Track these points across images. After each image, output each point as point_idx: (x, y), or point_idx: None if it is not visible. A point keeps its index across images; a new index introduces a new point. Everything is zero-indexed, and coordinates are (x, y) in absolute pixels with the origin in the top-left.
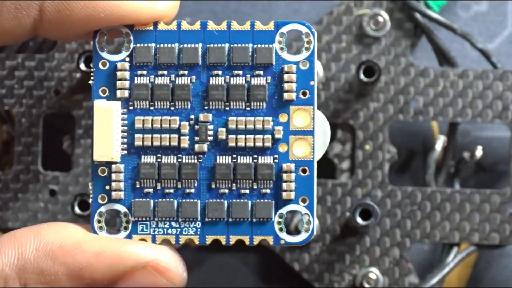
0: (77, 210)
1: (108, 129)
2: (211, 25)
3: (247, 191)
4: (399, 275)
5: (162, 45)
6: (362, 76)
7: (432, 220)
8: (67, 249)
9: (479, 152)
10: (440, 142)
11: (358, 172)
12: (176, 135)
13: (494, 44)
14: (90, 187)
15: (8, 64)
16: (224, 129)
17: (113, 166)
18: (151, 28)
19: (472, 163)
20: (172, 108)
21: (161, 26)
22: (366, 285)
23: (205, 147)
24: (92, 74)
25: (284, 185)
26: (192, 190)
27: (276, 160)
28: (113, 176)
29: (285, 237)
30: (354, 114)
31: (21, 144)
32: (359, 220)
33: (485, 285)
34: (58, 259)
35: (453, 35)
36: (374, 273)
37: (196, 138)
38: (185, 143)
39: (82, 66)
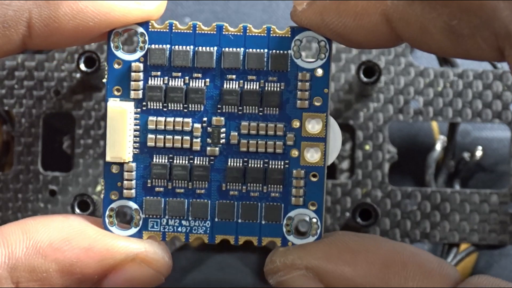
0: (77, 210)
1: (121, 130)
2: (227, 29)
3: (257, 194)
4: None
5: (177, 47)
6: (362, 76)
7: (432, 220)
8: (56, 246)
9: (479, 152)
10: (440, 142)
11: (358, 172)
12: (189, 137)
13: None
14: (102, 184)
15: (8, 64)
16: (236, 133)
17: (125, 165)
18: (167, 30)
19: (472, 163)
20: (185, 110)
21: (177, 28)
22: None
23: (217, 150)
24: (106, 72)
25: (294, 191)
26: (203, 191)
27: (287, 165)
28: (125, 174)
29: (292, 239)
30: (354, 114)
31: (21, 144)
32: (359, 220)
33: None
34: (49, 256)
35: None
36: None
37: (209, 141)
38: (197, 146)
39: (82, 66)
